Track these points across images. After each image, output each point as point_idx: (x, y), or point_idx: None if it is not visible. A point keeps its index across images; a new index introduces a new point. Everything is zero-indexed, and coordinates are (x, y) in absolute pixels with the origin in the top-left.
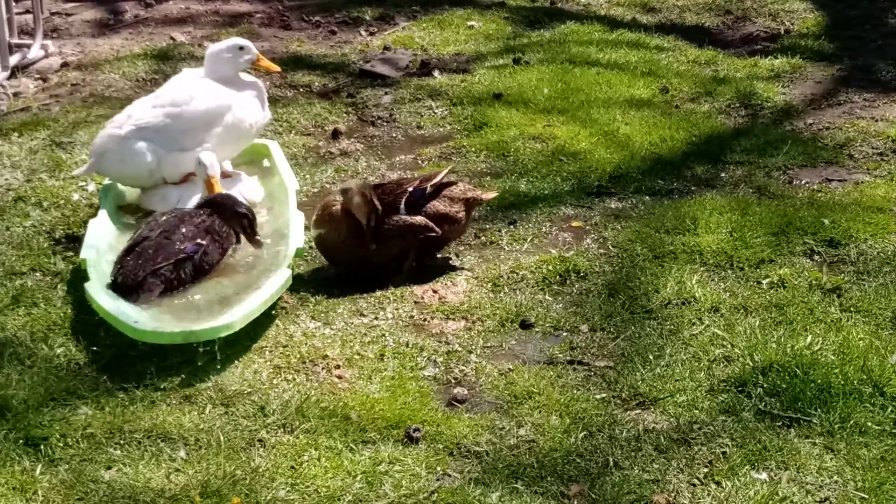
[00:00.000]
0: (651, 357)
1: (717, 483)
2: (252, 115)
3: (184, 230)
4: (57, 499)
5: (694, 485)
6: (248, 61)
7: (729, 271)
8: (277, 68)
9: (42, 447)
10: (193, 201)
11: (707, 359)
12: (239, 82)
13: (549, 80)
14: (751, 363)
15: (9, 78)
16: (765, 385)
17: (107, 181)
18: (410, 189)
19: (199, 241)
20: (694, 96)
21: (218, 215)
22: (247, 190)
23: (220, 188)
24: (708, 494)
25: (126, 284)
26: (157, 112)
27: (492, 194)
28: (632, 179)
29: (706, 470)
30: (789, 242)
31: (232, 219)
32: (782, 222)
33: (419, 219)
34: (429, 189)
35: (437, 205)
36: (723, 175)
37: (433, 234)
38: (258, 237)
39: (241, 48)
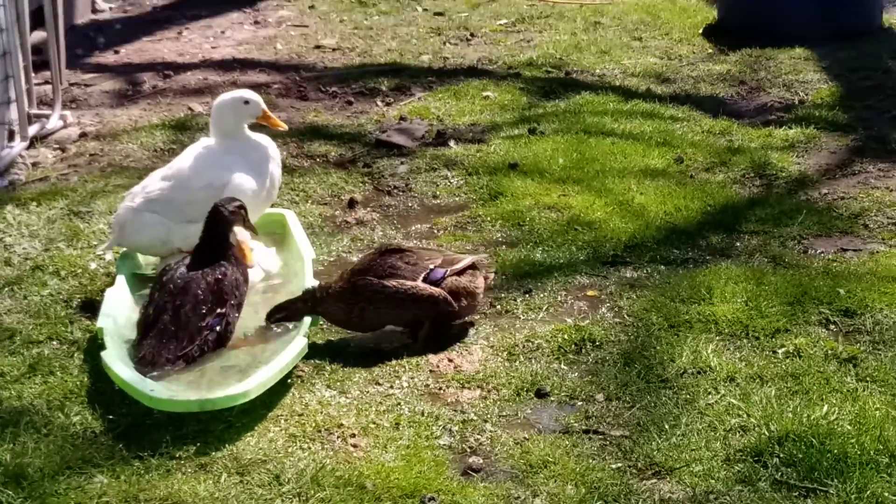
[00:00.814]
0: (667, 426)
1: None
2: (254, 181)
3: (202, 299)
4: None
5: None
6: (253, 115)
7: (744, 340)
8: (284, 126)
9: None
10: None
11: (723, 428)
12: (245, 142)
13: (564, 150)
14: (767, 433)
15: (28, 148)
16: (781, 455)
17: (124, 250)
18: (432, 267)
19: (219, 310)
20: (709, 166)
21: (217, 233)
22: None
23: (249, 254)
24: None
25: (151, 364)
26: (164, 184)
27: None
28: (647, 249)
29: None
30: (805, 312)
31: (232, 219)
32: (798, 292)
33: (438, 291)
34: (448, 274)
35: (458, 279)
36: (738, 244)
37: (450, 309)
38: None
39: (247, 102)
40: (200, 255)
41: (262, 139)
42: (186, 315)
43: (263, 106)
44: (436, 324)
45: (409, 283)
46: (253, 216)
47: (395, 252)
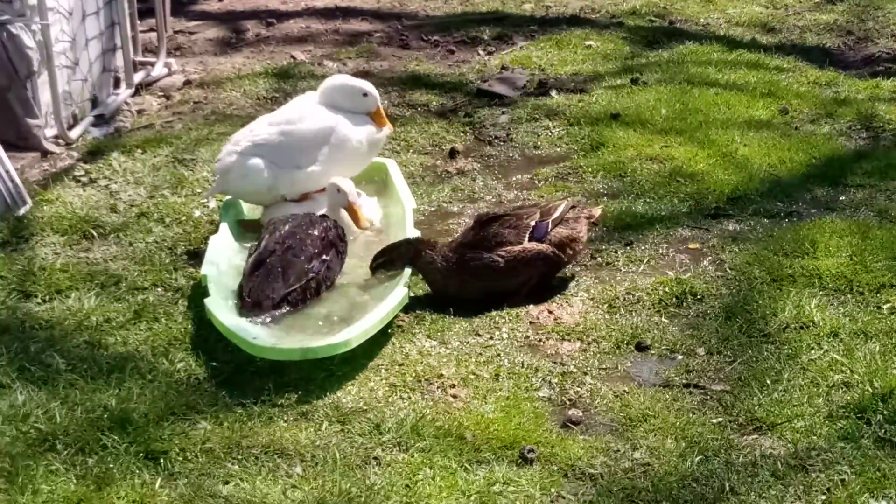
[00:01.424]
0: (768, 382)
1: None
2: (359, 132)
3: (309, 244)
4: None
5: None
6: (367, 109)
7: (849, 296)
8: (391, 127)
9: (162, 461)
10: None
11: (826, 384)
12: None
13: (666, 101)
14: (870, 389)
15: (133, 95)
16: (885, 412)
17: (228, 198)
18: (533, 224)
19: (324, 257)
20: (814, 118)
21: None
22: (367, 210)
23: (363, 214)
24: None
25: (257, 304)
26: (272, 129)
27: (598, 210)
28: (750, 201)
29: (824, 497)
30: None
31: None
32: None
33: (545, 247)
34: (550, 226)
35: (560, 230)
36: (843, 198)
37: (560, 260)
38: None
39: (365, 94)
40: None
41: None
42: (294, 255)
43: (380, 103)
44: (544, 277)
45: (517, 247)
46: (355, 169)
47: (493, 220)
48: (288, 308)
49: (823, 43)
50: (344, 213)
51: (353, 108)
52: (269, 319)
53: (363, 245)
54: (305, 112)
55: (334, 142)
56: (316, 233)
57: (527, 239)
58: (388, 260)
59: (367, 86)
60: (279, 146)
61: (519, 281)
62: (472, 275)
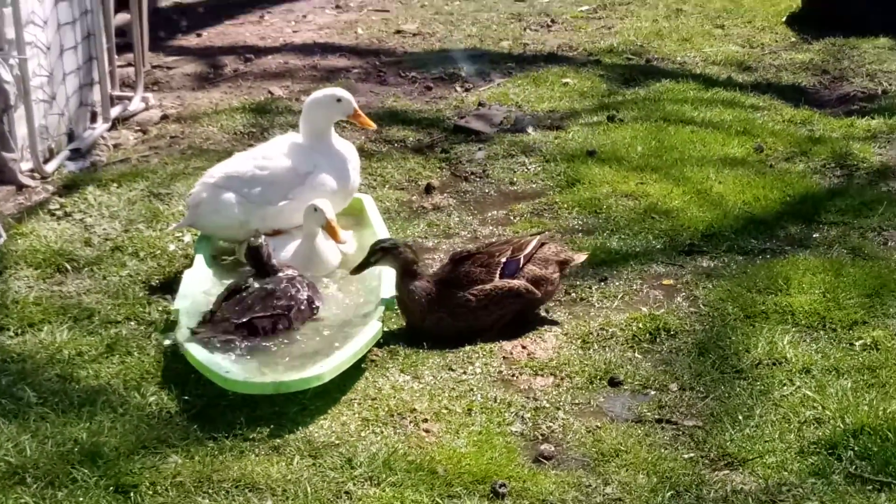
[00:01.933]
0: (741, 417)
1: None
2: (336, 181)
3: (283, 282)
4: None
5: None
6: (345, 113)
7: (821, 332)
8: (373, 125)
9: (132, 494)
10: (288, 251)
11: (797, 420)
12: (331, 146)
13: (642, 138)
14: (842, 425)
15: (110, 129)
16: (856, 448)
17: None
18: (504, 261)
19: (293, 300)
20: (789, 156)
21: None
22: (347, 245)
23: (339, 231)
24: None
25: (221, 321)
26: (246, 164)
27: (583, 256)
28: (724, 238)
29: None
30: (883, 304)
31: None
32: (877, 284)
33: (518, 283)
34: (522, 262)
35: (533, 268)
36: (816, 235)
37: (533, 297)
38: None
39: (339, 100)
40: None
41: (347, 145)
42: (268, 294)
43: (355, 105)
44: (519, 314)
45: (489, 285)
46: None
47: (466, 258)
48: (245, 331)
49: (799, 82)
50: (320, 242)
51: (332, 119)
52: (226, 340)
53: (337, 278)
54: (286, 150)
55: (313, 183)
56: (287, 277)
57: (498, 276)
58: (382, 259)
59: (337, 91)
60: (252, 179)
61: (492, 318)
62: (448, 313)
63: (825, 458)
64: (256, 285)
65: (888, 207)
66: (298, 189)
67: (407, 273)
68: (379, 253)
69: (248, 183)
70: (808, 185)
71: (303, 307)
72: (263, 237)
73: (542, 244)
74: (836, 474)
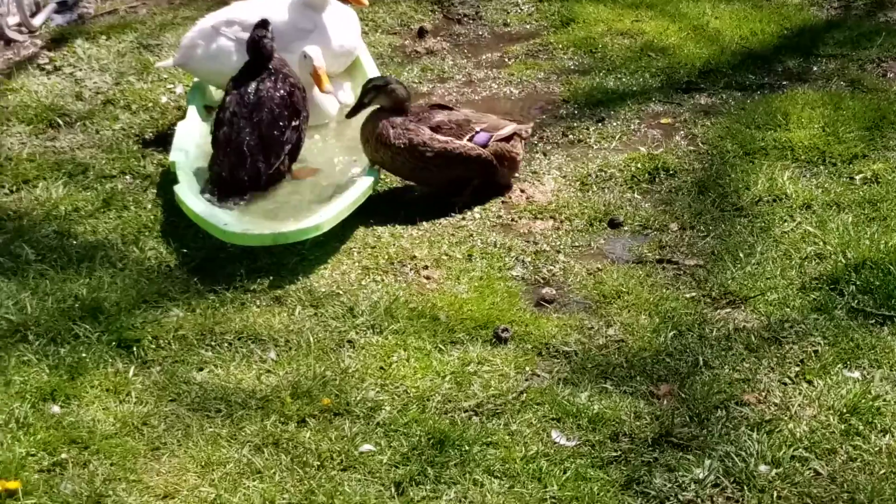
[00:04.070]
0: (741, 255)
1: (809, 382)
2: (334, 40)
3: (278, 113)
4: (150, 400)
5: (785, 384)
6: None
7: (821, 167)
8: (366, 3)
9: (135, 349)
10: None
11: (798, 256)
12: (331, 5)
13: None
14: (843, 260)
15: None
16: (857, 282)
17: (195, 80)
18: (478, 130)
19: (293, 123)
20: None
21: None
22: (339, 93)
23: (327, 80)
24: (799, 393)
25: (237, 184)
26: (247, 13)
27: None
28: (722, 74)
29: (797, 369)
30: (883, 137)
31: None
32: (876, 116)
33: (486, 153)
34: (492, 142)
35: (501, 143)
36: (815, 69)
37: (493, 166)
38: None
39: None
40: (249, 74)
41: (347, 10)
42: (268, 129)
43: None
44: (482, 184)
45: (458, 142)
46: (330, 69)
47: (443, 108)
48: (267, 185)
49: None
50: (317, 92)
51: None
52: (248, 199)
53: (333, 132)
54: (285, 4)
55: (315, 40)
56: (280, 94)
57: (466, 139)
58: (375, 97)
59: None
60: (251, 29)
61: (441, 177)
62: (408, 152)
63: (827, 293)
64: (246, 125)
65: (887, 38)
66: (297, 44)
67: (396, 111)
68: (372, 92)
69: (247, 31)
70: (805, 17)
71: (301, 131)
72: (270, 28)
73: (516, 134)
74: (838, 309)
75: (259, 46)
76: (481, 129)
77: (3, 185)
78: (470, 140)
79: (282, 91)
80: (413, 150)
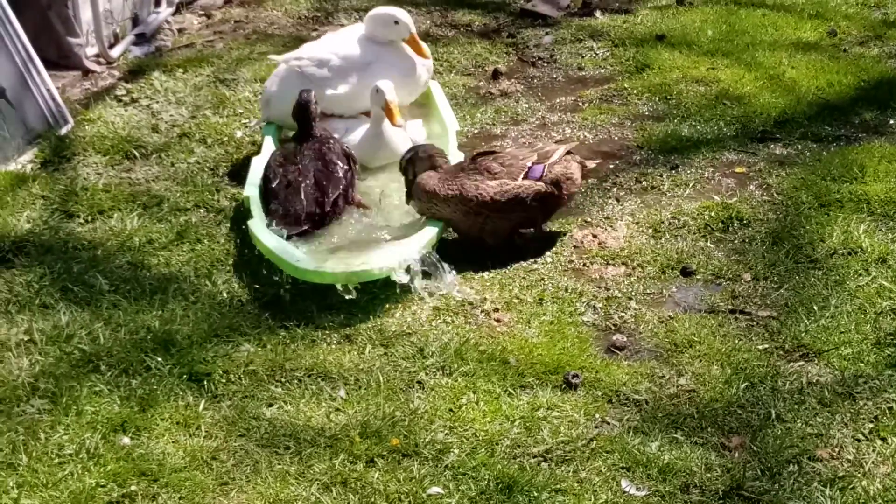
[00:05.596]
0: (815, 308)
1: (883, 439)
2: (400, 71)
3: (335, 157)
4: (220, 434)
5: (858, 440)
6: (400, 36)
7: None
8: (429, 54)
9: (205, 383)
10: (357, 135)
11: (874, 311)
12: (396, 46)
13: (713, 22)
14: None
15: (174, 14)
16: None
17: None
18: (530, 165)
19: (345, 166)
20: (863, 40)
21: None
22: (413, 132)
23: (398, 113)
24: (873, 450)
25: (294, 216)
26: (313, 51)
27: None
28: (797, 125)
29: (871, 425)
30: None
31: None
32: None
33: (542, 185)
34: (545, 170)
35: (553, 167)
36: (891, 122)
37: (556, 195)
38: None
39: (396, 22)
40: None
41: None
42: (327, 170)
43: (412, 29)
44: (544, 216)
45: (512, 182)
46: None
47: (487, 154)
48: (325, 219)
49: None
50: (388, 128)
51: (389, 37)
52: (307, 227)
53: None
54: (353, 39)
55: (371, 72)
56: (329, 146)
57: (521, 177)
58: (415, 167)
59: (396, 12)
60: (321, 64)
61: (514, 221)
62: (460, 201)
63: None
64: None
65: None
66: (361, 75)
67: (434, 168)
68: (408, 165)
69: (319, 66)
70: (882, 69)
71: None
72: (314, 92)
73: (568, 152)
74: None
75: (306, 109)
76: (533, 164)
77: (78, 214)
78: (525, 177)
79: (334, 146)
80: (465, 201)
